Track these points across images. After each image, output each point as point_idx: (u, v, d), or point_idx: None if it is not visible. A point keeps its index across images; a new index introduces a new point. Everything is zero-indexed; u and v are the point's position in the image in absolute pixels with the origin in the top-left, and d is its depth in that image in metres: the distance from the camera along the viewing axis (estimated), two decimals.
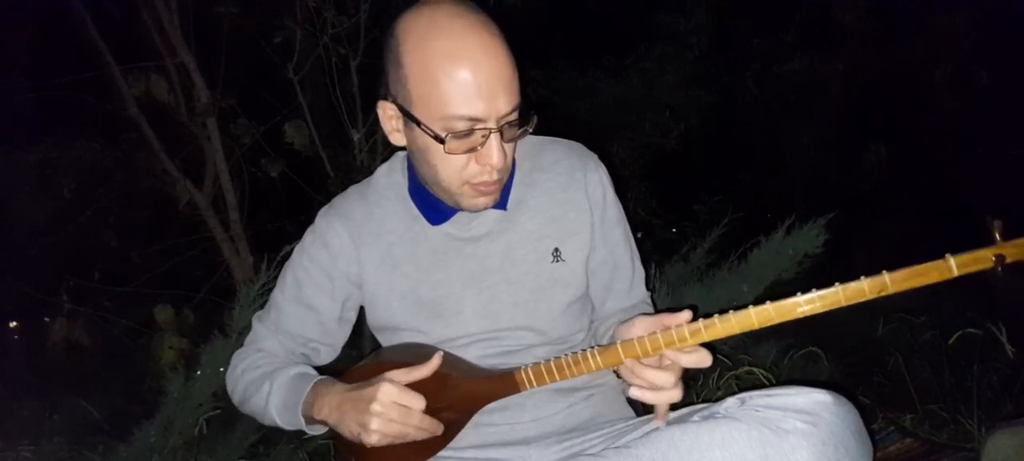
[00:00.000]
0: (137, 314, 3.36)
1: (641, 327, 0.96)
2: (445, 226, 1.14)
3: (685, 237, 3.35)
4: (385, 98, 1.05)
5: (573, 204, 1.16)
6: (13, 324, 4.52)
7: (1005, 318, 2.34)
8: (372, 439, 0.99)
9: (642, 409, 1.25)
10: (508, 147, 1.03)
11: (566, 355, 1.01)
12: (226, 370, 1.27)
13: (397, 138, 1.08)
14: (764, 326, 0.90)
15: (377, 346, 1.25)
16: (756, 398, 0.91)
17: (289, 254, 1.24)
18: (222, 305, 2.46)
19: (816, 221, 2.38)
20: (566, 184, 1.17)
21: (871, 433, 0.92)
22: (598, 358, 0.98)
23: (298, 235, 1.25)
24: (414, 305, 1.14)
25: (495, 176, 1.02)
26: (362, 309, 1.24)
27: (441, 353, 1.05)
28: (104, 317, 3.48)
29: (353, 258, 1.17)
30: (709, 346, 0.95)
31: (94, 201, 3.74)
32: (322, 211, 1.22)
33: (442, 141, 0.98)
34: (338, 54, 3.00)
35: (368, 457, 1.08)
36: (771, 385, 1.99)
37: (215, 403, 2.01)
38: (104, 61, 3.07)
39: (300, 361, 1.22)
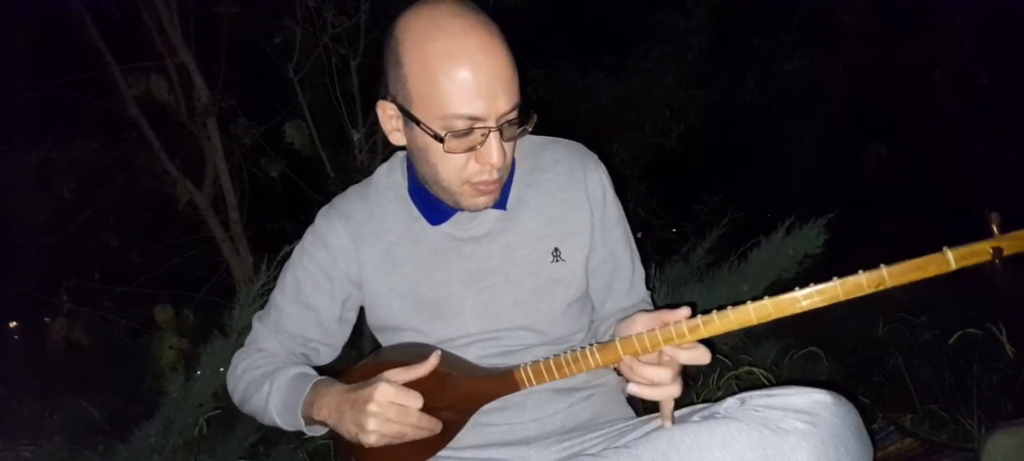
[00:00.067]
0: (137, 314, 3.36)
1: (641, 324, 0.96)
2: (445, 226, 1.14)
3: (685, 237, 3.35)
4: (385, 98, 1.05)
5: (573, 204, 1.16)
6: (13, 324, 4.52)
7: (1005, 318, 2.34)
8: (370, 439, 0.99)
9: (642, 409, 1.25)
10: (508, 146, 1.03)
11: (565, 353, 1.01)
12: (226, 370, 1.28)
13: (397, 138, 1.08)
14: (763, 322, 0.90)
15: (377, 346, 1.25)
16: (756, 398, 0.91)
17: (289, 254, 1.24)
18: (222, 305, 2.46)
19: (816, 221, 2.38)
20: (566, 184, 1.17)
21: (871, 433, 0.92)
22: (597, 355, 0.98)
23: (298, 235, 1.25)
24: (414, 305, 1.14)
25: (495, 175, 1.02)
26: (362, 309, 1.24)
27: (439, 352, 1.05)
28: (104, 317, 3.48)
29: (353, 258, 1.17)
30: (708, 345, 0.95)
31: (94, 201, 3.74)
32: (322, 211, 1.22)
33: (441, 140, 0.98)
34: (338, 54, 3.00)
35: (367, 457, 1.08)
36: (771, 385, 1.99)
37: (215, 403, 2.01)
38: (104, 61, 3.07)
39: (300, 361, 1.22)
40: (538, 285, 1.14)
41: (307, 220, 1.24)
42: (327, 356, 1.26)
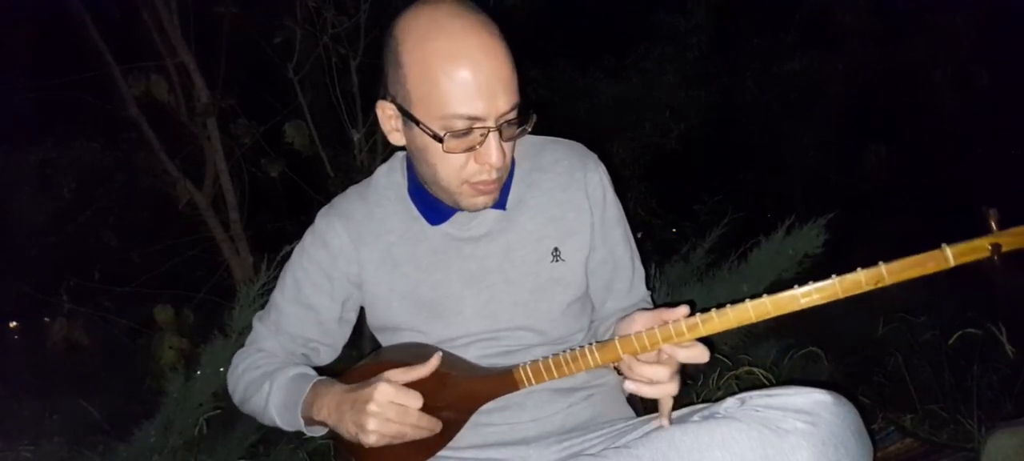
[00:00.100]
0: (137, 314, 3.36)
1: (640, 323, 0.96)
2: (445, 226, 1.14)
3: (685, 237, 3.35)
4: (384, 98, 1.05)
5: (573, 204, 1.16)
6: (13, 324, 4.52)
7: (1005, 318, 2.34)
8: (370, 439, 0.99)
9: (642, 409, 1.25)
10: (507, 146, 1.03)
11: (565, 352, 1.01)
12: (226, 370, 1.28)
13: (396, 138, 1.08)
14: (761, 320, 0.90)
15: (377, 346, 1.25)
16: (756, 398, 0.91)
17: (289, 254, 1.24)
18: (222, 305, 2.46)
19: (816, 221, 2.38)
20: (566, 184, 1.17)
21: (871, 433, 0.92)
22: (596, 354, 0.98)
23: (298, 235, 1.25)
24: (414, 305, 1.14)
25: (494, 175, 1.02)
26: (362, 310, 1.24)
27: (440, 353, 1.05)
28: (104, 317, 3.48)
29: (353, 258, 1.17)
30: (707, 344, 0.95)
31: (94, 201, 3.74)
32: (322, 211, 1.22)
33: (441, 140, 0.98)
34: (338, 54, 3.00)
35: (367, 457, 1.08)
36: (771, 385, 1.99)
37: (215, 403, 2.01)
38: (104, 61, 3.07)
39: (300, 361, 1.22)
40: (538, 285, 1.14)
41: (307, 220, 1.24)
42: (327, 356, 1.26)
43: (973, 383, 2.34)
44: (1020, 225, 0.84)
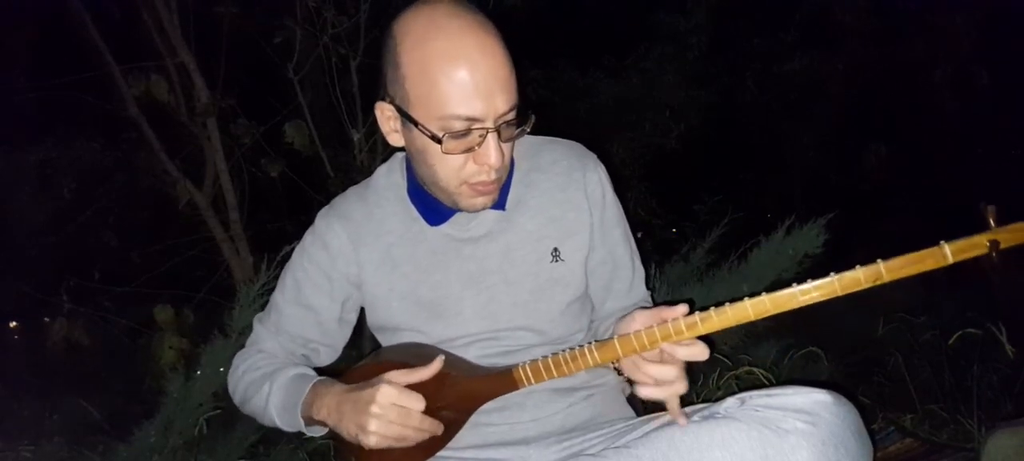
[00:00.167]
0: (137, 314, 3.36)
1: (640, 322, 0.96)
2: (444, 227, 1.14)
3: (685, 237, 3.35)
4: (383, 99, 1.05)
5: (572, 204, 1.16)
6: (13, 324, 4.53)
7: (1005, 318, 2.34)
8: (370, 441, 0.99)
9: (642, 409, 1.25)
10: (506, 147, 1.02)
11: (564, 351, 1.01)
12: (226, 370, 1.28)
13: (395, 139, 1.08)
14: (760, 318, 0.90)
15: (377, 346, 1.25)
16: (756, 398, 0.91)
17: (289, 254, 1.25)
18: (222, 305, 2.46)
19: (816, 221, 2.38)
20: (565, 184, 1.17)
21: (871, 433, 0.92)
22: (596, 353, 0.98)
23: (298, 235, 1.25)
24: (414, 305, 1.14)
25: (493, 176, 1.02)
26: (362, 310, 1.24)
27: (442, 356, 1.05)
28: (104, 317, 3.48)
29: (352, 259, 1.17)
30: (707, 343, 0.95)
31: (94, 201, 3.74)
32: (321, 212, 1.22)
33: (439, 141, 0.97)
34: (338, 54, 3.00)
35: (368, 457, 1.08)
36: (771, 385, 1.99)
37: (215, 403, 2.01)
38: (104, 61, 3.07)
39: (300, 362, 1.22)
40: (537, 285, 1.14)
41: (307, 220, 1.24)
42: (327, 357, 1.26)
43: (973, 383, 2.34)
44: (1018, 221, 0.84)
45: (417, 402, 0.99)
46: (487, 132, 0.97)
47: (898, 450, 1.81)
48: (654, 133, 4.69)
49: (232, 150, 3.26)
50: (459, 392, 1.07)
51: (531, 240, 1.14)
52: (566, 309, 1.16)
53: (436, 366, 1.04)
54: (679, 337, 0.92)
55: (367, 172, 1.29)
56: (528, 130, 1.05)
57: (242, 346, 1.29)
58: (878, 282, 0.85)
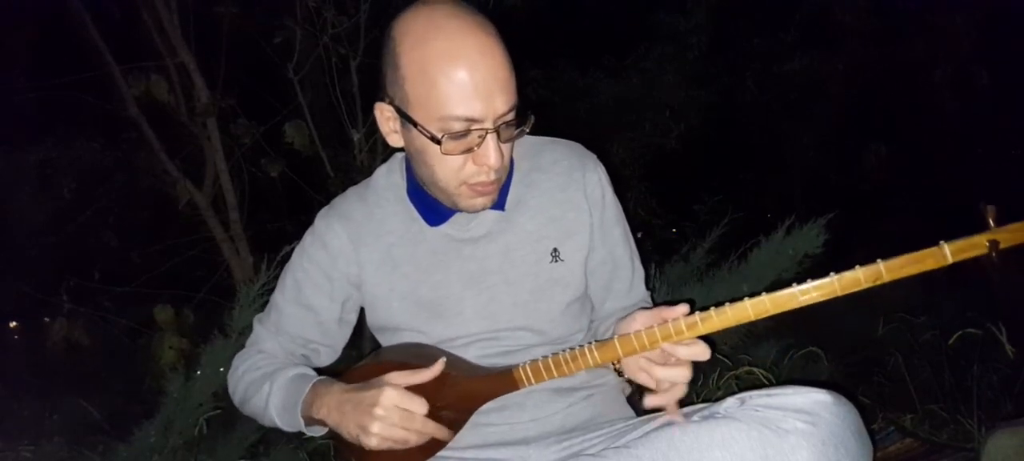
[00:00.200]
0: (137, 314, 3.36)
1: (640, 322, 0.96)
2: (444, 227, 1.14)
3: (685, 237, 3.35)
4: (382, 100, 1.05)
5: (572, 204, 1.16)
6: (13, 324, 4.53)
7: (1005, 318, 2.33)
8: (372, 442, 0.99)
9: (642, 409, 1.25)
10: (505, 147, 1.02)
11: (564, 351, 1.01)
12: (226, 370, 1.28)
13: (395, 139, 1.08)
14: (760, 318, 0.90)
15: (377, 346, 1.25)
16: (756, 398, 0.91)
17: (289, 254, 1.24)
18: (222, 305, 2.46)
19: (816, 221, 2.38)
20: (565, 184, 1.17)
21: (871, 433, 0.92)
22: (596, 353, 0.98)
23: (298, 235, 1.25)
24: (414, 306, 1.14)
25: (492, 176, 1.02)
26: (362, 311, 1.24)
27: (444, 358, 1.05)
28: (104, 317, 3.48)
29: (352, 259, 1.17)
30: (707, 343, 0.95)
31: (94, 201, 3.74)
32: (321, 212, 1.22)
33: (439, 142, 0.97)
34: (338, 54, 3.00)
35: (368, 457, 1.08)
36: (771, 385, 1.99)
37: (215, 403, 2.01)
38: (104, 61, 3.07)
39: (300, 362, 1.22)
40: (537, 285, 1.14)
41: (307, 220, 1.24)
42: (327, 357, 1.26)
43: (973, 383, 2.34)
44: (1018, 221, 0.84)
45: (420, 405, 0.99)
46: (486, 133, 0.97)
47: (898, 450, 1.81)
48: (654, 133, 4.69)
49: (232, 150, 3.26)
50: (459, 392, 1.07)
51: (531, 240, 1.14)
52: (566, 309, 1.16)
53: (437, 367, 1.04)
54: (679, 337, 0.92)
55: (367, 172, 1.29)
56: (527, 131, 1.05)
57: (242, 346, 1.29)
58: (878, 282, 0.85)
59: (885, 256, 0.86)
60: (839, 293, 0.87)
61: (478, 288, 1.13)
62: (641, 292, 1.27)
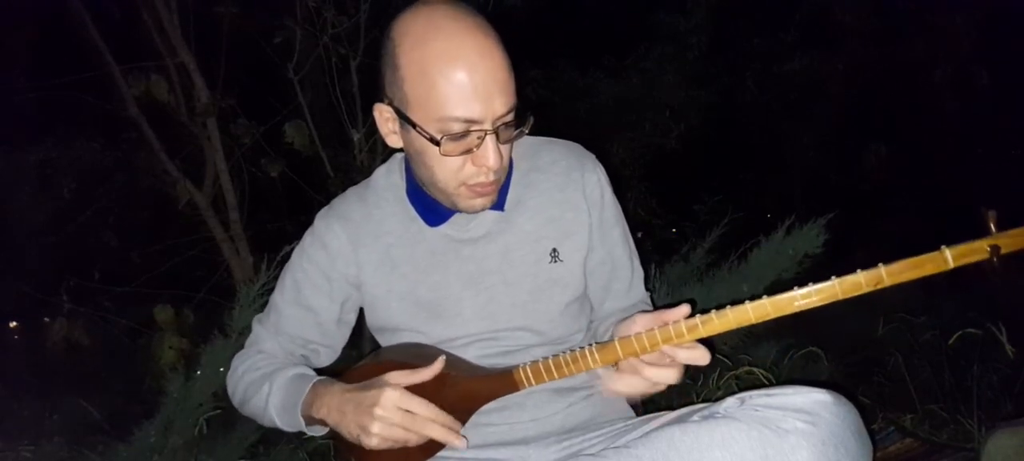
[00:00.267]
0: (137, 314, 3.36)
1: (641, 324, 0.96)
2: (443, 227, 1.14)
3: (685, 237, 3.35)
4: (382, 100, 1.05)
5: (571, 204, 1.16)
6: (13, 324, 4.53)
7: (1005, 318, 2.33)
8: (372, 443, 0.99)
9: (642, 409, 1.25)
10: (504, 148, 1.02)
11: (564, 353, 1.01)
12: (226, 371, 1.28)
13: (394, 140, 1.08)
14: (761, 320, 0.90)
15: (377, 346, 1.25)
16: (756, 398, 0.91)
17: (289, 254, 1.25)
18: (222, 305, 2.46)
19: (816, 221, 2.37)
20: (564, 184, 1.17)
21: (871, 433, 0.92)
22: (596, 355, 0.98)
23: (298, 235, 1.25)
24: (413, 306, 1.14)
25: (491, 177, 1.02)
26: (362, 311, 1.24)
27: (443, 357, 1.05)
28: (104, 317, 3.48)
29: (351, 260, 1.17)
30: (707, 344, 0.95)
31: (94, 201, 3.74)
32: (321, 213, 1.22)
33: (438, 143, 0.97)
34: (338, 54, 3.00)
35: (368, 457, 1.08)
36: (771, 385, 1.98)
37: (215, 403, 2.01)
38: (104, 61, 3.07)
39: (300, 363, 1.22)
40: (536, 286, 1.14)
41: (307, 220, 1.24)
42: (327, 358, 1.26)
43: (973, 383, 2.34)
44: (1019, 227, 0.84)
45: (420, 406, 0.99)
46: (485, 134, 0.97)
47: (898, 450, 1.81)
48: (654, 133, 4.69)
49: (232, 150, 3.26)
50: (459, 393, 1.07)
51: (530, 241, 1.14)
52: (565, 309, 1.16)
53: (437, 367, 1.04)
54: (680, 340, 0.92)
55: (367, 172, 1.29)
56: (526, 131, 1.05)
57: (242, 346, 1.29)
58: (879, 286, 0.85)
59: (885, 256, 0.86)
60: (840, 297, 0.87)
61: (477, 288, 1.13)
62: (640, 293, 1.27)
